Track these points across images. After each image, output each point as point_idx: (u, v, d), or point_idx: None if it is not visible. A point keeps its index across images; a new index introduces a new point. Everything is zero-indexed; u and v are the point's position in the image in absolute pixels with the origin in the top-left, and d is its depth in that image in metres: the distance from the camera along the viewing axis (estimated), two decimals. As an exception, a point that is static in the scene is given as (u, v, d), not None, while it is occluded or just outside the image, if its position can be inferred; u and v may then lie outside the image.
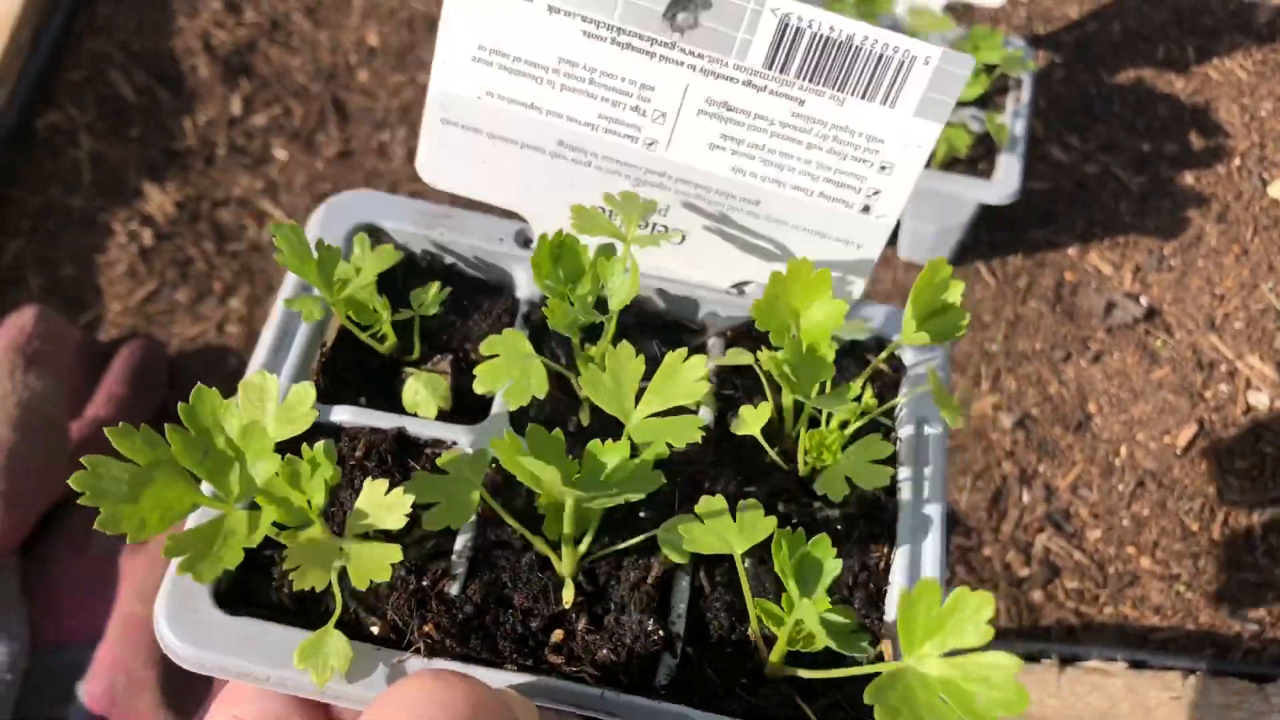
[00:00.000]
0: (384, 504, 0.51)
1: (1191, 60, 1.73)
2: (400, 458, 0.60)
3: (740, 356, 0.64)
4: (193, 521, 0.54)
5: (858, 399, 0.63)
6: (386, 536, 0.54)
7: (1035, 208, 1.59)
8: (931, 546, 0.61)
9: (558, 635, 0.55)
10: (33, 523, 1.11)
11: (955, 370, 1.47)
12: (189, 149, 1.61)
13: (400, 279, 0.69)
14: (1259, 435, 1.39)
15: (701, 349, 0.70)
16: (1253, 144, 1.64)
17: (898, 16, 1.46)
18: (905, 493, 0.63)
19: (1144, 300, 1.50)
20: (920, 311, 0.60)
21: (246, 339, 1.45)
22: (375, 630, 0.54)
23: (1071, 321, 1.49)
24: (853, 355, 0.71)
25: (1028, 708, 0.44)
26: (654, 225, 0.69)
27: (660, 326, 0.71)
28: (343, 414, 0.62)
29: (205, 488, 0.49)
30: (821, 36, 0.59)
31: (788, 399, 0.63)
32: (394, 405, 0.64)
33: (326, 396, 0.64)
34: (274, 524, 0.50)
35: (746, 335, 0.69)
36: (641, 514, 0.60)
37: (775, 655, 0.55)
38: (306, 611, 0.54)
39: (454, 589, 0.56)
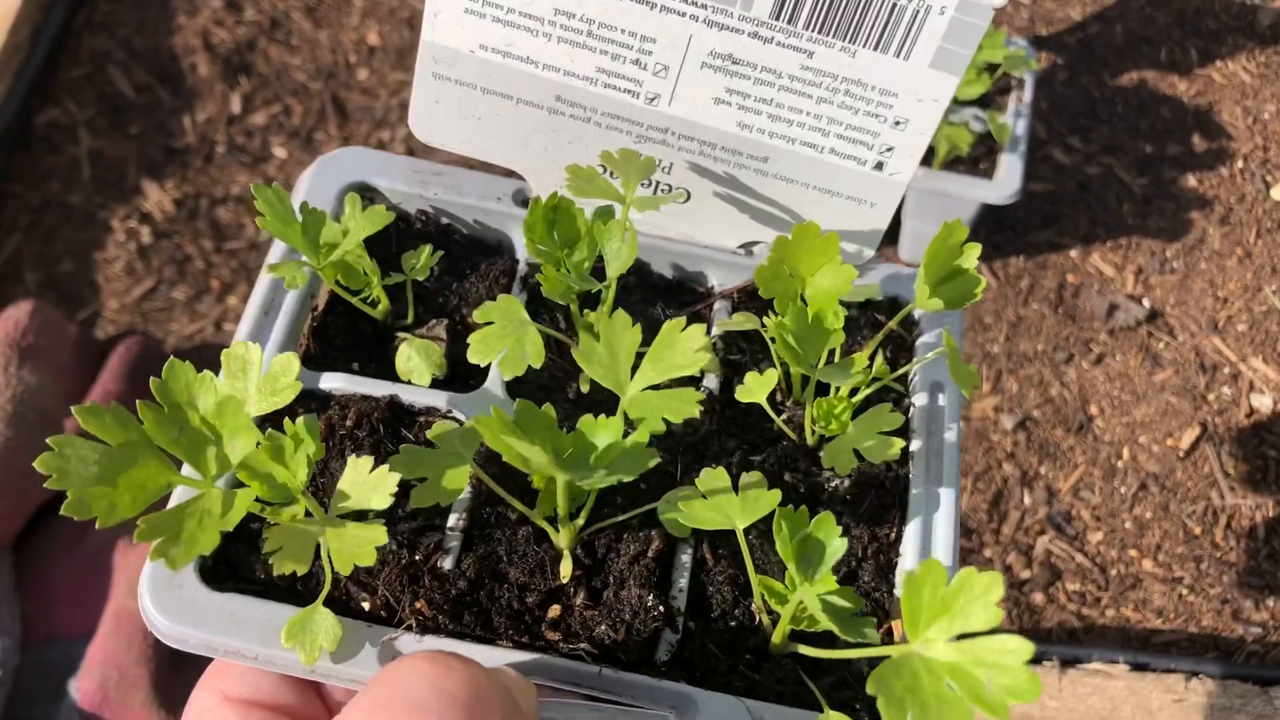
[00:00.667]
0: (368, 483, 0.49)
1: (1194, 63, 1.73)
2: (393, 426, 0.58)
3: (746, 321, 0.61)
4: (173, 501, 0.52)
5: (869, 366, 0.60)
6: (377, 511, 0.52)
7: (1037, 209, 1.58)
8: (944, 521, 0.58)
9: (555, 611, 0.53)
10: (26, 517, 1.10)
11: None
12: (188, 147, 1.60)
13: (394, 240, 0.67)
14: (1262, 438, 1.38)
15: (707, 313, 0.67)
16: (1256, 146, 1.63)
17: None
18: (917, 464, 0.60)
19: (1146, 302, 1.50)
20: (934, 276, 0.56)
21: (244, 336, 1.45)
22: (366, 606, 0.52)
23: (1073, 323, 1.48)
24: (865, 316, 0.68)
25: (1037, 699, 0.41)
26: (657, 185, 0.65)
27: (665, 289, 0.68)
28: (333, 381, 0.60)
29: (185, 469, 0.48)
30: None
31: (795, 366, 0.60)
32: (388, 372, 0.61)
33: (317, 363, 0.62)
34: (257, 500, 0.48)
35: (755, 297, 0.67)
36: (643, 485, 0.57)
37: (778, 634, 0.53)
38: (295, 586, 0.53)
39: (447, 563, 0.53)
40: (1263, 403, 1.40)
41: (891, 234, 1.40)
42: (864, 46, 0.57)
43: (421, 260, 0.63)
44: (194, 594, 0.51)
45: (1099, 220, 1.57)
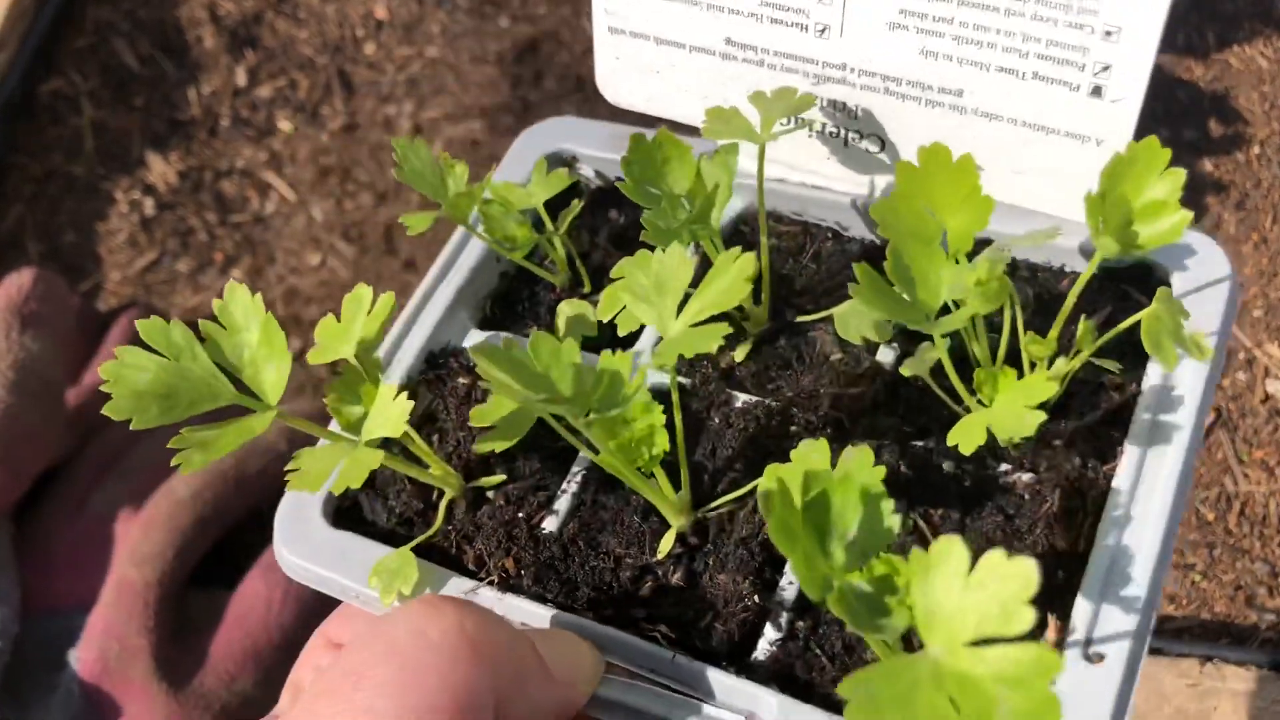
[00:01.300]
0: (387, 410, 0.49)
1: (1211, 47, 1.71)
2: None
3: None
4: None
5: (1066, 325, 0.47)
6: (508, 462, 0.54)
7: (1051, 192, 1.56)
8: (1143, 554, 0.46)
9: (647, 588, 0.49)
10: (26, 486, 1.09)
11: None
12: (193, 119, 1.59)
13: (591, 209, 0.65)
14: (1276, 424, 1.37)
15: None
16: (1273, 132, 1.61)
17: None
18: (1125, 467, 0.49)
19: (1161, 287, 1.48)
20: (1114, 213, 0.44)
21: (248, 310, 1.43)
22: (466, 560, 0.53)
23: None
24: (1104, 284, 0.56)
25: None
26: (845, 134, 0.57)
27: (855, 256, 0.61)
28: (475, 339, 0.61)
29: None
30: None
31: (982, 339, 0.50)
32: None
33: (494, 324, 0.63)
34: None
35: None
36: (771, 459, 0.50)
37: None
38: (411, 534, 0.53)
39: (550, 524, 0.52)
40: (1277, 389, 1.39)
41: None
42: None
43: (569, 215, 0.61)
44: (315, 530, 0.53)
45: (1113, 204, 1.55)
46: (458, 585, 0.51)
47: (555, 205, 0.64)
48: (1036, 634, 0.45)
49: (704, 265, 0.53)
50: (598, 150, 0.66)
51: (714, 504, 0.50)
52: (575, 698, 0.44)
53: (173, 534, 1.04)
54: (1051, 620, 0.46)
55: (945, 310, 0.47)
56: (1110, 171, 0.45)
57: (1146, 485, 0.48)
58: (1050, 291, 0.57)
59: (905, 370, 0.49)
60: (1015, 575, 0.33)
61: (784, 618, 0.47)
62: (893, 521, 0.39)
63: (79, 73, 1.60)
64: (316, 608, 1.04)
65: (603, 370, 0.44)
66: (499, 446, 0.51)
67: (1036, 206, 0.56)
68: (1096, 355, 0.47)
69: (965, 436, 0.45)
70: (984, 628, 0.33)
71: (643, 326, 0.56)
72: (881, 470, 0.41)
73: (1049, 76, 0.51)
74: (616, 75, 0.62)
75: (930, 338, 0.46)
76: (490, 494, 0.54)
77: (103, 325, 1.35)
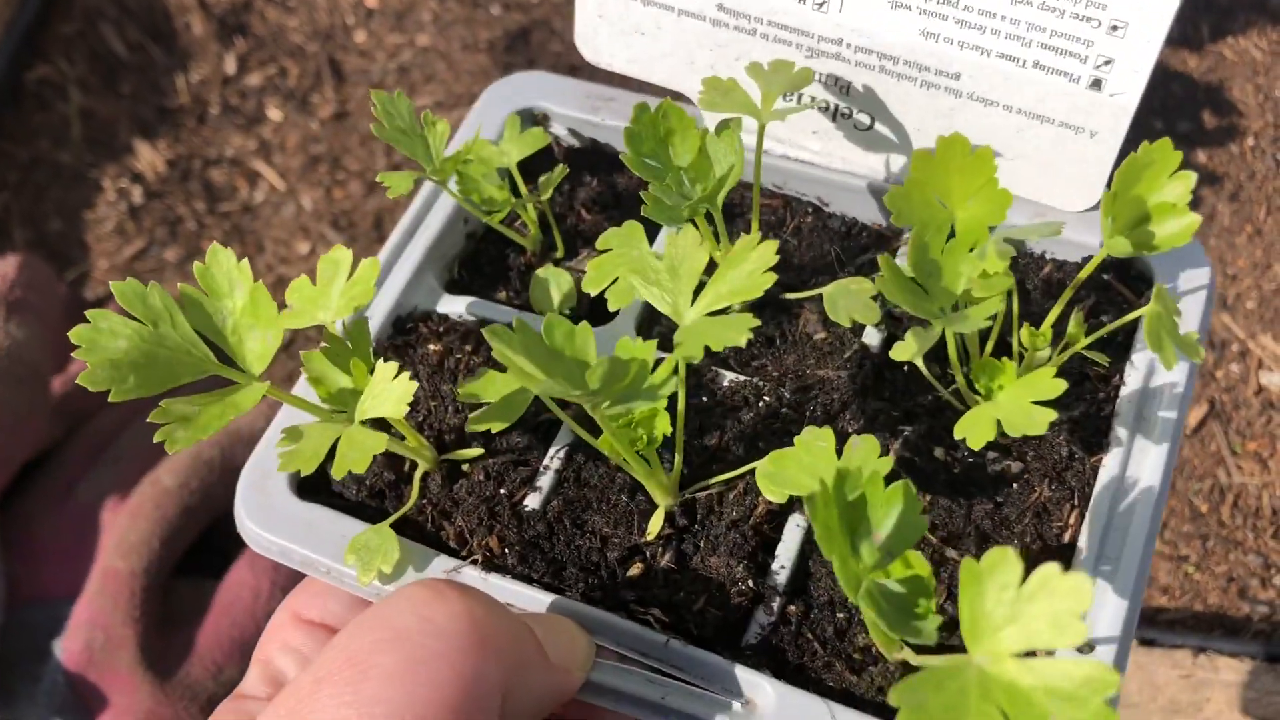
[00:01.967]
0: (388, 389, 0.46)
1: (1206, 39, 1.70)
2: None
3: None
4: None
5: (1060, 318, 0.47)
6: (485, 438, 0.51)
7: (1045, 183, 1.56)
8: (1134, 537, 0.46)
9: (636, 569, 0.48)
10: (11, 474, 1.07)
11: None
12: (181, 107, 1.57)
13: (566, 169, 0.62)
14: (1270, 416, 1.36)
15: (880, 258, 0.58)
16: (1267, 124, 1.61)
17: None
18: (1113, 455, 0.49)
19: (1154, 278, 1.48)
20: (1123, 213, 0.44)
21: (237, 299, 1.42)
22: (445, 537, 0.50)
23: (1080, 298, 1.46)
24: (1095, 280, 0.55)
25: None
26: (836, 110, 0.55)
27: (843, 233, 0.60)
28: (452, 305, 0.58)
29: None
30: None
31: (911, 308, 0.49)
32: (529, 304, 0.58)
33: (461, 288, 0.60)
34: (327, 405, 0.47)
35: None
36: (761, 444, 0.51)
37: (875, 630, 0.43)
38: (383, 507, 0.51)
39: (533, 502, 0.50)
40: (1271, 380, 1.38)
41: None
42: None
43: (552, 180, 0.58)
44: (281, 502, 0.50)
45: (1107, 195, 1.55)
46: (440, 565, 0.48)
47: (527, 165, 0.62)
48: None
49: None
50: (572, 109, 0.64)
51: (704, 484, 0.49)
52: (572, 684, 0.43)
53: (159, 523, 1.02)
54: None
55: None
56: (1125, 172, 0.45)
57: (1133, 476, 0.48)
58: (1031, 279, 0.56)
59: (896, 354, 0.48)
60: (1069, 590, 0.33)
61: (776, 602, 0.47)
62: (922, 521, 0.38)
63: (66, 59, 1.59)
64: (305, 597, 1.03)
65: (630, 360, 0.42)
66: (496, 427, 0.49)
67: (1025, 194, 0.55)
68: (1030, 388, 0.46)
69: (974, 430, 0.44)
70: (1035, 640, 0.33)
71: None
72: (889, 461, 0.40)
73: (1050, 66, 0.51)
74: (599, 34, 0.59)
75: (925, 322, 0.46)
76: (466, 467, 0.52)
77: (90, 314, 1.34)
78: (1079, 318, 0.49)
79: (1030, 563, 0.34)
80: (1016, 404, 0.44)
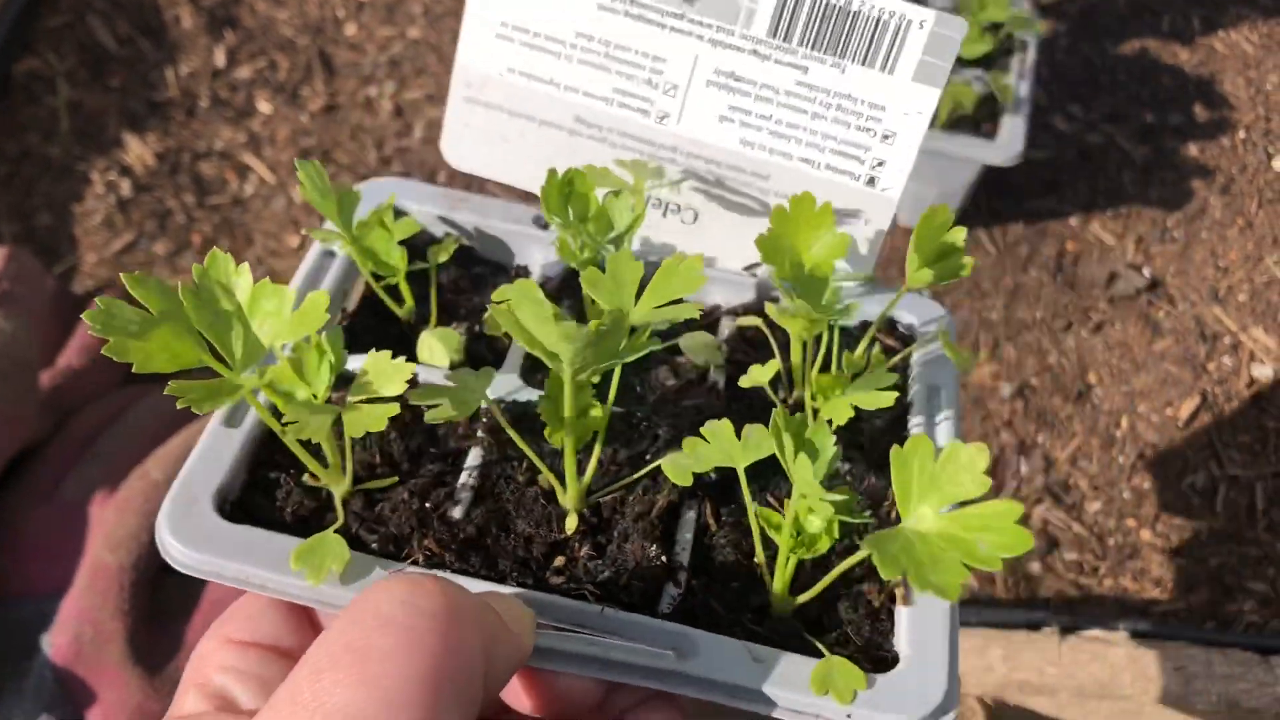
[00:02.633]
0: (386, 369, 0.51)
1: (1197, 32, 1.70)
2: (412, 407, 0.60)
3: (752, 321, 0.66)
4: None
5: (869, 347, 0.64)
6: (392, 468, 0.57)
7: (1038, 177, 1.55)
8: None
9: (559, 561, 0.54)
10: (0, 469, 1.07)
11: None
12: (170, 100, 1.56)
13: (422, 257, 0.71)
14: (1262, 408, 1.36)
15: (714, 326, 0.69)
16: (1258, 117, 1.61)
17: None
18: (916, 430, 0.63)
19: (1147, 271, 1.47)
20: (924, 255, 0.60)
21: (226, 293, 1.41)
22: (375, 546, 0.54)
23: (1072, 291, 1.46)
24: (859, 337, 0.70)
25: (1029, 549, 0.43)
26: (666, 206, 0.68)
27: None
28: (357, 362, 0.62)
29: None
30: (821, 2, 0.60)
31: (796, 355, 0.63)
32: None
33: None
34: (278, 418, 0.50)
35: (758, 314, 0.69)
36: (648, 457, 0.59)
37: (779, 579, 0.53)
38: (308, 530, 0.53)
39: (456, 513, 0.55)
40: (1263, 373, 1.38)
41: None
42: (853, 62, 0.62)
43: (445, 248, 0.67)
44: (211, 524, 0.53)
45: (1099, 188, 1.55)
46: (382, 569, 0.52)
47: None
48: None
49: (576, 313, 0.67)
50: (429, 208, 0.71)
51: (606, 490, 0.57)
52: (527, 649, 0.47)
53: (147, 517, 1.02)
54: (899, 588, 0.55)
55: None
56: (923, 224, 0.59)
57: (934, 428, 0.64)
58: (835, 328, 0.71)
59: (744, 382, 0.60)
60: (969, 457, 0.44)
61: (682, 576, 0.55)
62: (835, 449, 0.51)
63: (55, 52, 1.58)
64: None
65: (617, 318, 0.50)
66: (457, 417, 0.54)
67: None
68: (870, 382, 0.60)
69: (836, 412, 0.57)
70: (952, 496, 0.44)
71: (507, 350, 0.64)
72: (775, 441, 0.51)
73: (837, 168, 0.65)
74: (464, 142, 0.68)
75: (762, 359, 0.62)
76: (379, 495, 0.56)
77: (78, 307, 1.33)
78: (876, 350, 0.66)
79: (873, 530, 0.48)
80: (862, 393, 0.57)
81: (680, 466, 0.53)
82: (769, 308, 0.61)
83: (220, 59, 1.60)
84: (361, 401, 0.51)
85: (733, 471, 0.54)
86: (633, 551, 0.54)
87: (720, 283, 0.70)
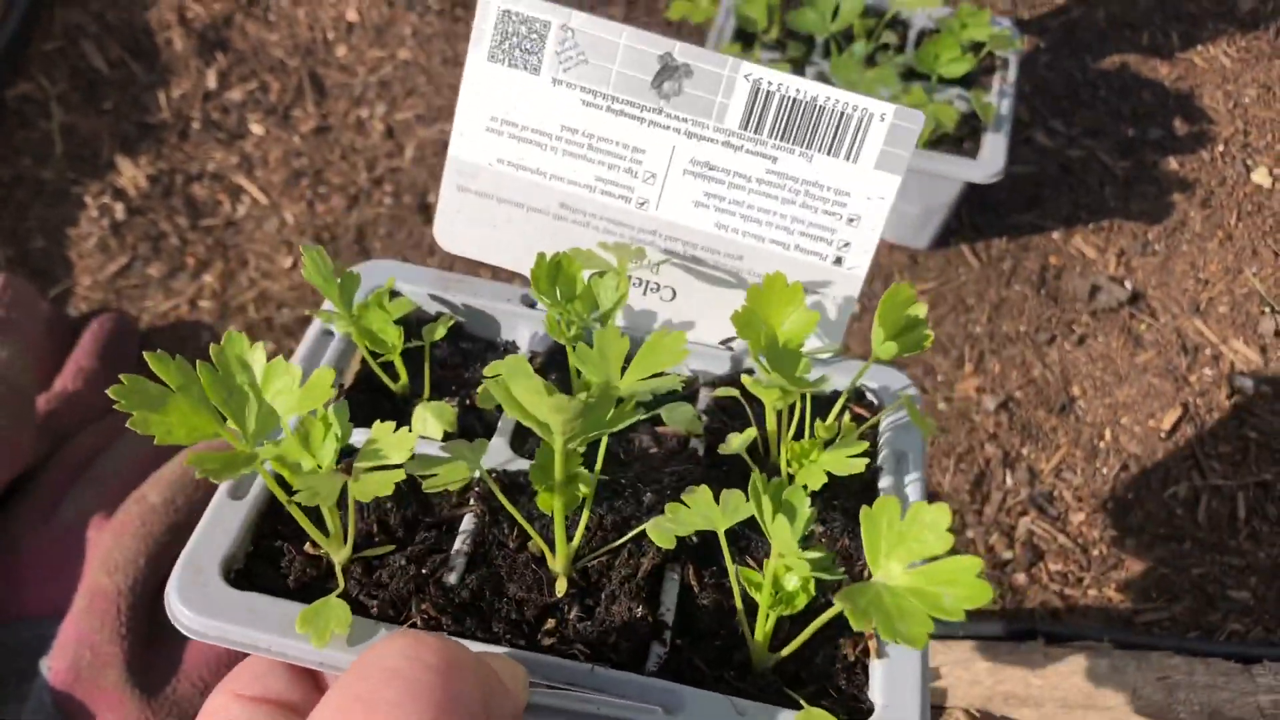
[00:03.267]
0: (392, 440, 0.54)
1: (1176, 47, 1.73)
2: (408, 478, 0.62)
3: (729, 391, 0.69)
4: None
5: (839, 415, 0.68)
6: (389, 536, 0.60)
7: (1020, 192, 1.58)
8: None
9: (550, 623, 0.56)
10: (-4, 493, 1.08)
11: (938, 352, 1.45)
12: (163, 123, 1.58)
13: (416, 335, 0.74)
14: (1243, 419, 1.38)
15: (693, 397, 0.72)
16: (1236, 130, 1.63)
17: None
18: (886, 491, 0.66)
19: (1128, 284, 1.50)
20: (888, 328, 0.64)
21: (219, 314, 1.42)
22: (375, 611, 0.56)
23: (1056, 305, 1.48)
24: (831, 403, 0.74)
25: (989, 600, 0.46)
26: (646, 285, 0.73)
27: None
28: (356, 437, 0.65)
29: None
30: (789, 98, 0.65)
31: (771, 424, 0.67)
32: None
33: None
34: (284, 488, 0.54)
35: (735, 385, 0.72)
36: (632, 521, 0.62)
37: (759, 635, 0.56)
38: (310, 596, 0.56)
39: (451, 579, 0.58)
40: (1244, 384, 1.40)
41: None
42: (819, 152, 0.66)
43: (441, 326, 0.70)
44: (217, 591, 0.55)
45: (1081, 203, 1.57)
46: (384, 631, 0.55)
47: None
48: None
49: (564, 387, 0.69)
50: (421, 288, 0.75)
51: (593, 555, 0.60)
52: (520, 704, 0.49)
53: (145, 540, 1.03)
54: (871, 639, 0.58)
55: None
56: (888, 300, 0.63)
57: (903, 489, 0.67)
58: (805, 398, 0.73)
59: (723, 449, 0.65)
60: (932, 516, 0.47)
61: (666, 635, 0.57)
62: (810, 510, 0.54)
63: (47, 76, 1.59)
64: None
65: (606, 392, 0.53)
66: (454, 485, 0.57)
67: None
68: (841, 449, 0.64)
69: (810, 477, 0.61)
70: (917, 553, 0.47)
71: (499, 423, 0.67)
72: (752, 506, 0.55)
73: (806, 249, 0.70)
74: (455, 227, 0.73)
75: (738, 428, 0.67)
76: (376, 563, 0.59)
77: (73, 331, 1.34)
78: (848, 423, 0.68)
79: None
80: (835, 458, 0.62)
81: (664, 530, 0.56)
82: (745, 379, 0.64)
83: (212, 81, 1.62)
84: (368, 469, 0.54)
85: (714, 534, 0.56)
86: (620, 613, 0.56)
87: (697, 356, 0.73)
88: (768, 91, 0.65)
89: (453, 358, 0.74)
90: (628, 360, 0.57)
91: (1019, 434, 1.38)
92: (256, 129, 1.59)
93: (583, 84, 0.66)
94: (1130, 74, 1.70)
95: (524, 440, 0.67)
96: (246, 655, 0.55)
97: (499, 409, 0.67)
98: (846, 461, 0.61)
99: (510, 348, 0.76)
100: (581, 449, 0.57)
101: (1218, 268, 1.50)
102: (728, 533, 0.56)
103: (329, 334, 0.72)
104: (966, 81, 1.44)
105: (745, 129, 0.66)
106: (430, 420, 0.66)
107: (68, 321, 1.36)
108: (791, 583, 0.54)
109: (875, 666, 0.56)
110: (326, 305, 0.69)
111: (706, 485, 0.59)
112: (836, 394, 0.72)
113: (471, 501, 0.61)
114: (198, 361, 0.51)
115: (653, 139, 0.67)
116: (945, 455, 1.37)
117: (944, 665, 1.14)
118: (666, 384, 0.55)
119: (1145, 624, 1.24)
